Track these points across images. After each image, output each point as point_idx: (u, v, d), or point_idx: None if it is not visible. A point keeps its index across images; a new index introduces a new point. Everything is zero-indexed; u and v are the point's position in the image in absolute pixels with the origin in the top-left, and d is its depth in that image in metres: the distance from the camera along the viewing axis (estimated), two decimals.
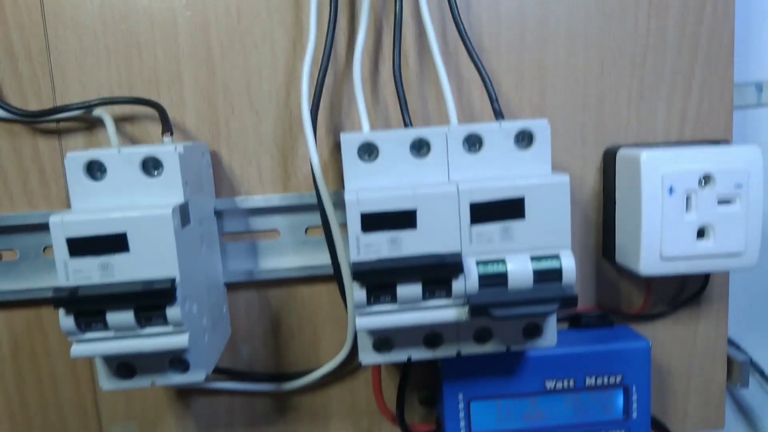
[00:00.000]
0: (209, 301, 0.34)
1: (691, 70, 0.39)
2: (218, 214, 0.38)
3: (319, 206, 0.36)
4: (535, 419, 0.37)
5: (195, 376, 0.32)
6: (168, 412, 0.40)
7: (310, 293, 0.40)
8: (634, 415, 0.38)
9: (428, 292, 0.30)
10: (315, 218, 0.38)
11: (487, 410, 0.37)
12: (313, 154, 0.35)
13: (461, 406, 0.37)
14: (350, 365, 0.41)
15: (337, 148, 0.38)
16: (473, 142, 0.31)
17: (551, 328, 0.33)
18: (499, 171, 0.31)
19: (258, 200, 0.38)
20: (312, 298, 0.40)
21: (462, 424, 0.37)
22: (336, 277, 0.37)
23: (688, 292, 0.41)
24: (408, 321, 0.30)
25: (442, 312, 0.30)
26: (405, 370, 0.38)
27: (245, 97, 0.37)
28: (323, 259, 0.38)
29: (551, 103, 0.39)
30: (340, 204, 0.36)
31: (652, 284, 0.40)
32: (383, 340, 0.33)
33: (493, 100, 0.35)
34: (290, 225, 0.39)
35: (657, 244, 0.35)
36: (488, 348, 0.33)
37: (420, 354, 0.33)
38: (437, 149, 0.31)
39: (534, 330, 0.33)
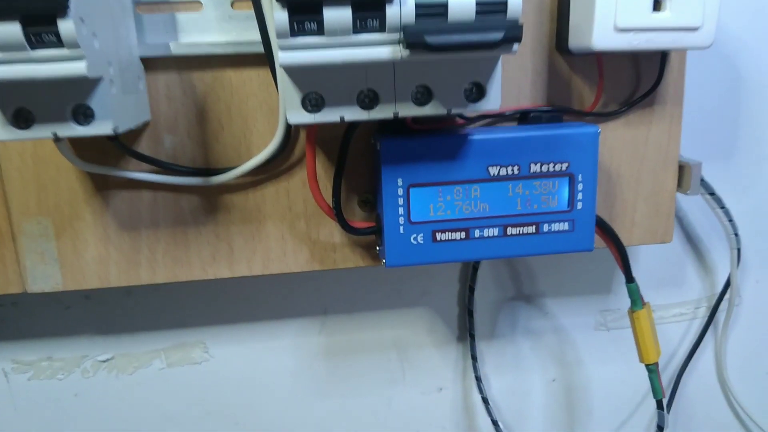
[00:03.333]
0: (119, 60, 0.31)
1: None
2: None
3: None
4: (478, 209, 0.36)
5: (100, 127, 0.29)
6: (85, 208, 0.37)
7: (239, 79, 0.36)
8: (579, 205, 0.36)
9: (359, 22, 0.27)
10: None
11: (427, 197, 0.35)
12: None
13: (400, 192, 0.35)
14: (285, 163, 0.38)
15: None
16: None
17: (495, 89, 0.31)
18: None
19: None
20: (241, 84, 0.36)
21: (401, 211, 0.35)
22: (267, 57, 0.33)
23: (642, 91, 0.39)
24: (337, 57, 0.27)
25: (376, 49, 0.27)
26: (341, 155, 0.35)
27: None
28: (252, 35, 0.35)
29: None
30: None
31: (604, 74, 0.38)
32: (313, 98, 0.30)
33: None
34: None
35: (611, 14, 0.33)
36: (428, 110, 0.31)
37: (354, 114, 0.30)
38: None
39: (477, 91, 0.31)
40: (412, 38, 0.26)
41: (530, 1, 0.37)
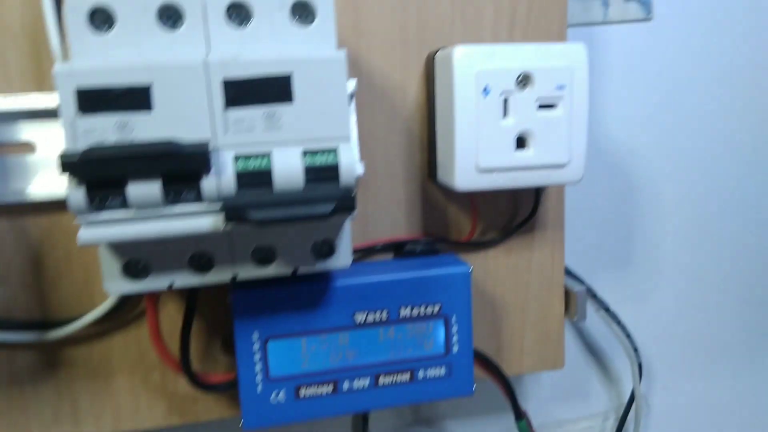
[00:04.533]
0: None
1: None
2: None
3: None
4: (346, 358, 0.33)
5: None
6: None
7: None
8: (455, 348, 0.34)
9: (172, 194, 0.24)
10: None
11: (287, 350, 0.32)
12: (54, 39, 0.28)
13: (256, 347, 0.32)
14: (134, 310, 0.34)
15: None
16: (240, 14, 0.25)
17: (345, 245, 0.28)
18: (273, 50, 0.25)
19: (3, 100, 0.30)
20: None
21: (258, 368, 0.32)
22: None
23: (520, 217, 0.38)
24: (147, 232, 0.24)
25: (194, 220, 0.24)
26: (188, 305, 0.32)
27: None
28: None
29: None
30: None
31: (477, 207, 0.36)
32: (135, 263, 0.27)
33: None
34: (47, 136, 0.31)
35: (472, 154, 0.31)
36: (271, 271, 0.28)
37: (185, 280, 0.27)
38: (192, 19, 0.25)
39: (325, 248, 0.28)
40: (230, 212, 0.23)
41: (401, 131, 0.35)
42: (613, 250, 0.47)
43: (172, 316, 0.34)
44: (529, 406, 0.48)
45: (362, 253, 0.36)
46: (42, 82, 0.31)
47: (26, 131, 0.31)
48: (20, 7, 0.30)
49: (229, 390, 0.34)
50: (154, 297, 0.30)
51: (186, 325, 0.32)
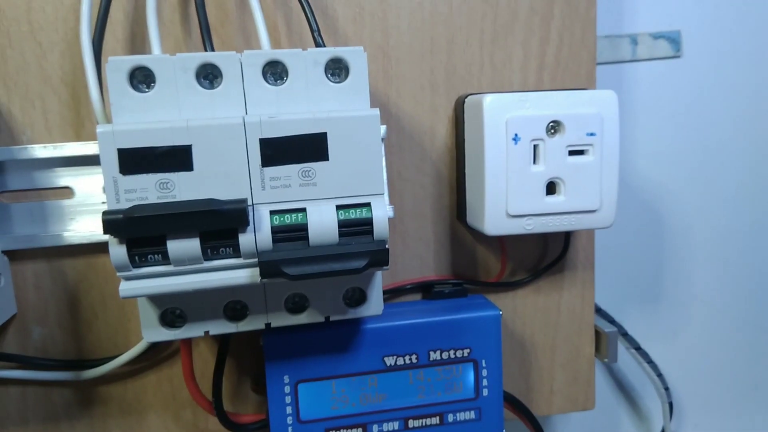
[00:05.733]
0: None
1: (550, 11, 0.35)
2: None
3: None
4: (375, 401, 0.33)
5: None
6: None
7: None
8: (485, 392, 0.34)
9: (210, 250, 0.24)
10: None
11: (318, 393, 0.32)
12: (94, 92, 0.28)
13: (287, 389, 0.32)
14: (167, 349, 0.35)
15: None
16: (276, 72, 0.26)
17: (376, 293, 0.29)
18: (308, 106, 0.26)
19: (44, 150, 0.31)
20: None
21: (289, 410, 0.32)
22: None
23: (550, 258, 0.37)
24: (186, 285, 0.24)
25: (231, 274, 0.25)
26: (221, 349, 0.32)
27: (25, 24, 0.31)
28: None
29: (395, 45, 0.34)
30: None
31: (507, 248, 0.36)
32: (173, 312, 0.27)
33: (314, 31, 0.30)
34: (85, 182, 0.32)
35: (502, 200, 0.31)
36: (303, 318, 0.28)
37: (220, 328, 0.28)
38: (230, 78, 0.25)
39: (357, 296, 0.29)
40: (267, 267, 0.24)
41: (429, 173, 0.36)
42: (643, 286, 0.46)
43: (203, 355, 0.35)
44: None
45: (391, 294, 0.36)
46: (80, 130, 0.32)
47: (64, 177, 0.32)
48: (60, 59, 0.31)
49: (259, 430, 0.34)
50: (189, 340, 0.31)
51: (218, 368, 0.32)
